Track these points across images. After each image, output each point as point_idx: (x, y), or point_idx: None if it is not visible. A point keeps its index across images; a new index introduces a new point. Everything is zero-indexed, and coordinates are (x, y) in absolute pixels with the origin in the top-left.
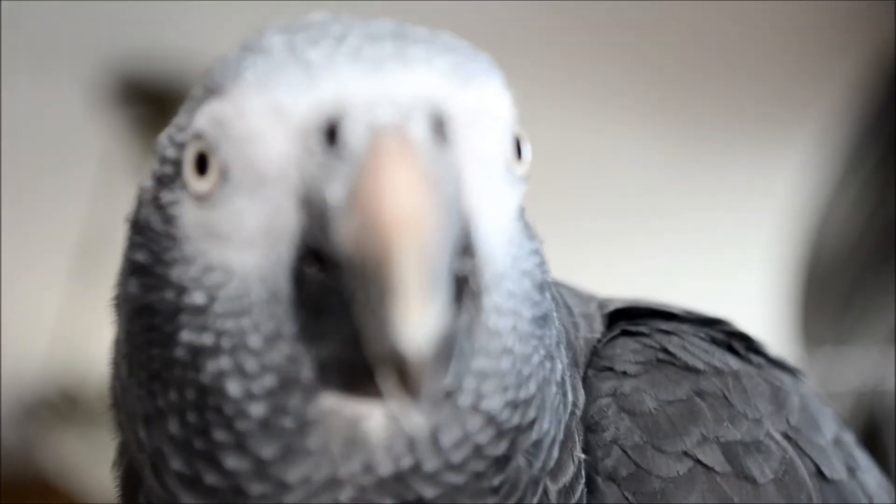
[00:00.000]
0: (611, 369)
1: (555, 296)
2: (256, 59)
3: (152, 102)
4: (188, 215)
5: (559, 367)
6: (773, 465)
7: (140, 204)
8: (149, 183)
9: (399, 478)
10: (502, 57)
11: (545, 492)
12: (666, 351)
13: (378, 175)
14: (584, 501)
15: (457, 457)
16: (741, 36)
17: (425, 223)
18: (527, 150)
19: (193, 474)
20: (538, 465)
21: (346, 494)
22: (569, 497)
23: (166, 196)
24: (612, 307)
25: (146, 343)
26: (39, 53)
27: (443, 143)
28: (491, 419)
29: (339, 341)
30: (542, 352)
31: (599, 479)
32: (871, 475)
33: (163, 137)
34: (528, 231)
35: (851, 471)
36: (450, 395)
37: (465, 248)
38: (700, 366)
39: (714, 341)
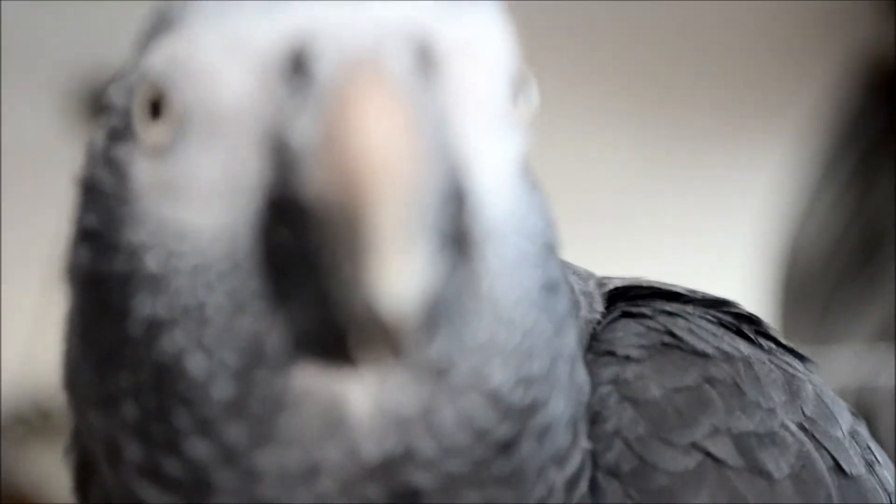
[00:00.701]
0: (612, 354)
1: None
2: None
3: None
4: (141, 171)
5: (570, 342)
6: (789, 458)
7: (89, 162)
8: (98, 138)
9: (388, 465)
10: None
11: (551, 483)
12: (671, 334)
13: (350, 110)
14: (588, 499)
15: (456, 441)
16: (718, 42)
17: (406, 164)
18: (531, 92)
19: (152, 464)
20: (549, 451)
21: (326, 485)
22: (572, 490)
23: (117, 151)
24: (611, 286)
25: (98, 318)
26: (9, 66)
27: (427, 76)
28: (494, 398)
29: (311, 307)
30: (552, 324)
31: (600, 475)
32: (888, 470)
33: (113, 85)
34: (534, 188)
35: (870, 465)
36: (441, 370)
37: (455, 199)
38: (709, 350)
39: (722, 324)
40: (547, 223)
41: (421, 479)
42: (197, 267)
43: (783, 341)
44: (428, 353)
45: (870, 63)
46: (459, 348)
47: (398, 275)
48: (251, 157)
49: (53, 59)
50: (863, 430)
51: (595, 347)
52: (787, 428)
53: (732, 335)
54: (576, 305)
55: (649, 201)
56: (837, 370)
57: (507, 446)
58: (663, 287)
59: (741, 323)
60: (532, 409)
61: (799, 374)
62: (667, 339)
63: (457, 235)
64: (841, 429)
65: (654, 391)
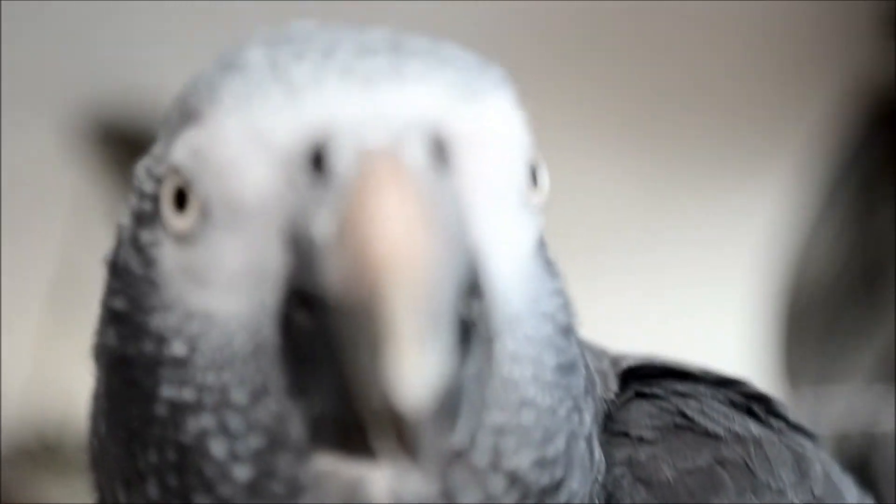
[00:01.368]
0: (625, 435)
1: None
2: (234, 79)
3: (126, 144)
4: (168, 257)
5: (587, 420)
6: None
7: (118, 244)
8: (127, 220)
9: None
10: None
11: None
12: (683, 415)
13: (367, 203)
14: None
15: None
16: (717, 71)
17: (422, 257)
18: (543, 176)
19: None
20: None
21: None
22: None
23: (145, 236)
24: (624, 364)
25: (125, 399)
26: (11, 94)
27: (443, 168)
28: (516, 480)
29: (331, 396)
30: (570, 403)
31: None
32: None
33: (140, 168)
34: (549, 268)
35: None
36: (461, 453)
37: (472, 288)
38: (720, 432)
39: (733, 404)
40: (563, 302)
41: None
42: (222, 351)
43: (793, 420)
44: (444, 441)
45: (870, 91)
46: (479, 431)
47: (414, 368)
48: (273, 247)
49: (57, 85)
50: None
51: (610, 427)
52: None
53: (743, 415)
54: (591, 384)
55: (648, 233)
56: (838, 410)
57: None
58: (675, 366)
59: (751, 402)
60: (551, 489)
61: (808, 454)
62: (679, 420)
63: (475, 322)
64: None
65: (667, 473)
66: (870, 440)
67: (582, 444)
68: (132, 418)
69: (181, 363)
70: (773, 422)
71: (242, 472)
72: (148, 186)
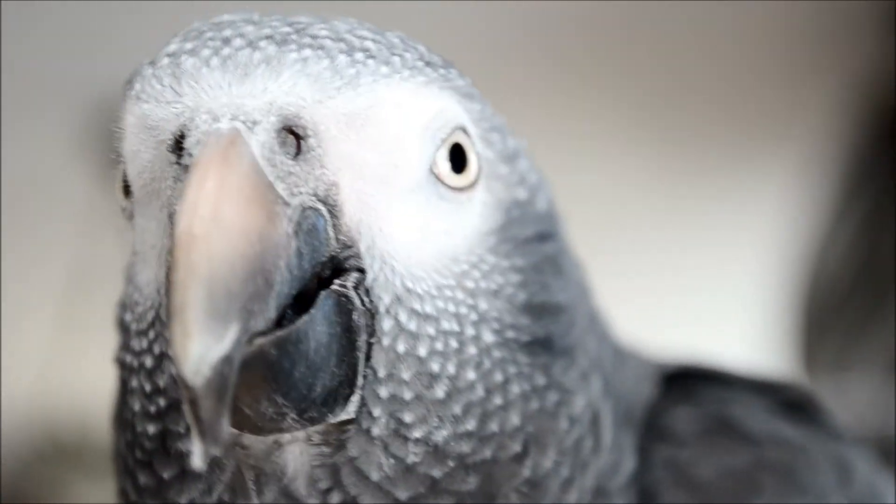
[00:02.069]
0: (667, 437)
1: (603, 332)
2: (145, 70)
3: None
4: (128, 241)
5: (578, 401)
6: None
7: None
8: None
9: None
10: (487, 79)
11: None
12: (725, 419)
13: (187, 189)
14: None
15: (406, 492)
16: (727, 68)
17: (215, 243)
18: (472, 160)
19: (122, 492)
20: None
21: None
22: None
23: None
24: (668, 370)
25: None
26: (23, 97)
27: (298, 153)
28: (438, 450)
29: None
30: (538, 381)
31: None
32: None
33: None
34: (504, 247)
35: None
36: (350, 423)
37: (336, 263)
38: (761, 435)
39: (775, 408)
40: (525, 280)
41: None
42: (142, 321)
43: (834, 424)
44: (223, 417)
45: (879, 88)
46: (371, 404)
47: (190, 346)
48: (163, 221)
49: (68, 88)
50: None
51: (651, 430)
52: None
53: (785, 420)
54: (605, 373)
55: (663, 229)
56: (855, 404)
57: (480, 497)
58: (719, 371)
59: (795, 407)
60: (503, 461)
61: (850, 460)
62: (720, 423)
63: (344, 295)
64: None
65: (706, 474)
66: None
67: (562, 424)
68: (120, 406)
69: (127, 331)
70: (815, 427)
71: (152, 429)
72: None
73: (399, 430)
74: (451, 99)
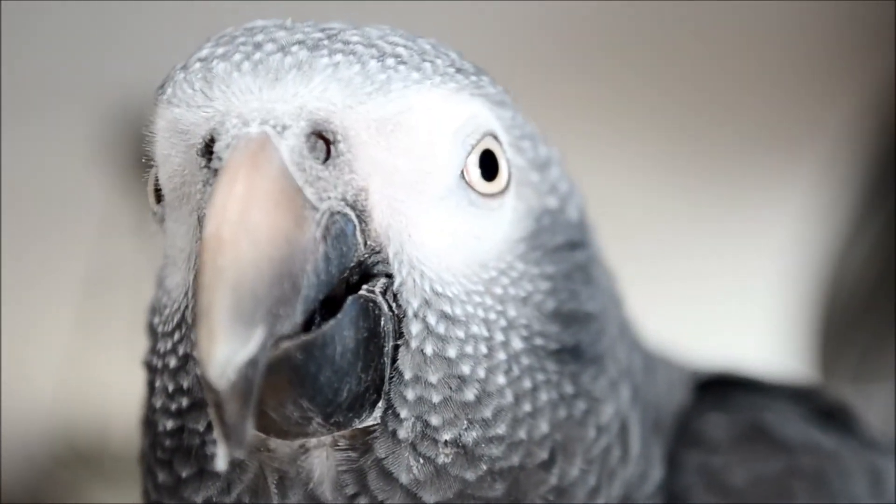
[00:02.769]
0: (699, 443)
1: (633, 340)
2: (177, 74)
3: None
4: (159, 245)
5: (607, 410)
6: None
7: None
8: None
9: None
10: (517, 90)
11: None
12: (758, 426)
13: (216, 193)
14: None
15: (434, 496)
16: (748, 75)
17: (242, 246)
18: (503, 166)
19: (145, 492)
20: None
21: None
22: None
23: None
24: (702, 377)
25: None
26: (40, 102)
27: (327, 158)
28: (469, 452)
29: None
30: (567, 389)
31: None
32: None
33: None
34: (536, 255)
35: None
36: (389, 427)
37: (365, 268)
38: (794, 443)
39: (810, 416)
40: (554, 288)
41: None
42: (169, 322)
43: (868, 433)
44: (248, 420)
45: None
46: (404, 405)
47: (215, 349)
48: (193, 225)
49: (87, 91)
50: None
51: (683, 436)
52: None
53: (819, 428)
54: (635, 382)
55: (683, 239)
56: (874, 412)
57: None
58: (754, 378)
59: (829, 414)
60: (530, 468)
61: (884, 469)
62: (754, 430)
63: (372, 300)
64: None
65: (739, 480)
66: None
67: (590, 433)
68: (145, 406)
69: (155, 333)
70: (849, 434)
71: (171, 426)
72: None
73: (426, 432)
74: (483, 105)
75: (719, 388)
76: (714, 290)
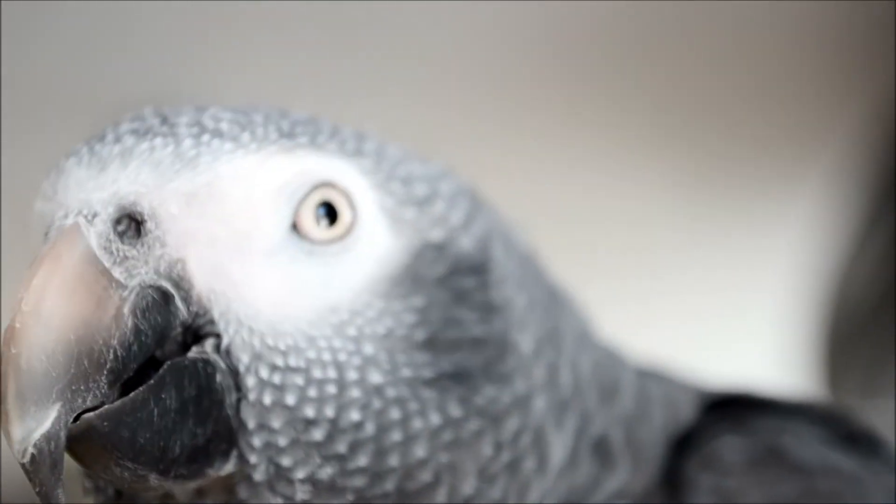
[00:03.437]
0: (714, 465)
1: (574, 354)
2: (58, 165)
3: None
4: None
5: (509, 426)
6: None
7: None
8: None
9: None
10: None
11: None
12: (775, 448)
13: (21, 286)
14: None
15: None
16: (759, 85)
17: (32, 334)
18: (344, 212)
19: None
20: None
21: None
22: None
23: None
24: (712, 395)
25: None
26: (40, 103)
27: (136, 237)
28: (326, 487)
29: None
30: (453, 412)
31: None
32: None
33: None
34: (402, 289)
35: None
36: (244, 472)
37: (195, 330)
38: (811, 465)
39: (830, 438)
40: (418, 320)
41: None
42: None
43: (889, 455)
44: (58, 487)
45: None
46: (249, 453)
47: (11, 431)
48: None
49: (85, 102)
50: None
51: (696, 457)
52: None
53: (837, 449)
54: (641, 415)
55: (685, 251)
56: (881, 428)
57: None
58: (772, 399)
59: (846, 436)
60: (413, 492)
61: None
62: (770, 453)
63: (205, 361)
64: None
65: (754, 502)
66: None
67: (487, 451)
68: None
69: None
70: (869, 457)
71: None
72: None
73: (280, 473)
74: (319, 159)
75: (736, 410)
76: (718, 304)
